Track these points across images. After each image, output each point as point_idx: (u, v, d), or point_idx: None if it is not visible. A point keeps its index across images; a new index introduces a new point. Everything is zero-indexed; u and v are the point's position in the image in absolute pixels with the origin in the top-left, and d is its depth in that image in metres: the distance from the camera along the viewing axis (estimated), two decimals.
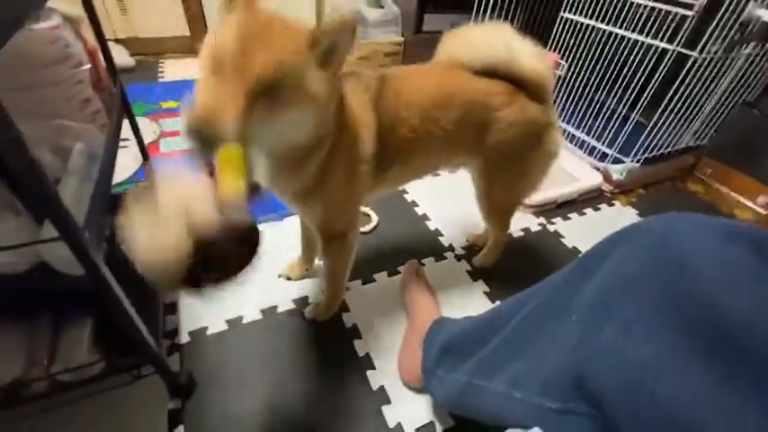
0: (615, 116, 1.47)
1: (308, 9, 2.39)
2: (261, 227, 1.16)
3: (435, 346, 0.69)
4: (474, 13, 1.93)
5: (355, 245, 0.82)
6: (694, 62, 1.24)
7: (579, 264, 0.43)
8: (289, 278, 1.03)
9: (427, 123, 0.73)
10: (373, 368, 0.85)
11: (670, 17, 1.25)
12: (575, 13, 1.52)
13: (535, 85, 0.78)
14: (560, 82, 1.69)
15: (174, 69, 2.10)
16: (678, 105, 1.37)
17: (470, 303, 1.02)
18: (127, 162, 1.29)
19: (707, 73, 1.33)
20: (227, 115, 0.41)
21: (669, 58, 1.27)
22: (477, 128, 0.78)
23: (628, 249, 0.36)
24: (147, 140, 1.46)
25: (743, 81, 1.49)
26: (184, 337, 0.86)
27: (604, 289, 0.36)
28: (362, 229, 1.19)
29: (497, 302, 1.02)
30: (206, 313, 0.91)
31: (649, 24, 1.32)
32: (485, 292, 1.06)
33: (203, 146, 0.42)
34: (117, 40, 2.11)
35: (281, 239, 1.12)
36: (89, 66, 0.67)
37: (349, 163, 0.67)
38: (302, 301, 0.97)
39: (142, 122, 1.58)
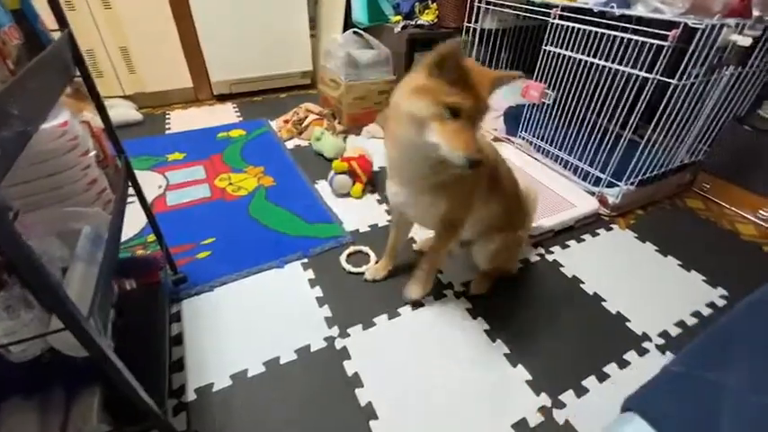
0: (608, 136, 1.50)
1: (303, 52, 2.52)
2: (260, 276, 1.21)
3: None
4: (461, 48, 2.01)
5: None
6: (676, 87, 1.27)
7: None
8: (375, 280, 1.18)
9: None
10: (376, 418, 0.86)
11: (647, 46, 1.29)
12: (556, 46, 1.57)
13: None
14: (549, 110, 1.73)
15: (179, 120, 2.20)
16: (668, 125, 1.39)
17: (471, 342, 1.03)
18: (135, 218, 1.35)
19: (691, 94, 1.36)
20: (478, 147, 0.69)
21: (651, 85, 1.30)
22: None
23: None
24: (154, 194, 1.54)
25: (729, 99, 1.51)
26: (191, 395, 0.89)
27: None
28: (359, 269, 1.22)
29: (498, 341, 1.03)
30: (212, 369, 0.94)
31: (629, 53, 1.36)
32: (485, 330, 1.06)
33: (475, 167, 0.69)
34: (125, 96, 2.24)
35: (282, 287, 1.16)
36: (95, 152, 0.73)
37: (473, 183, 0.91)
38: (305, 351, 0.99)
39: (149, 176, 1.66)
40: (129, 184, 0.92)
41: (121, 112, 2.12)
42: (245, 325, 1.05)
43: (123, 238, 1.28)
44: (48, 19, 0.72)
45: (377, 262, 1.24)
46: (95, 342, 0.51)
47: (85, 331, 0.49)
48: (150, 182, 1.61)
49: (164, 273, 1.02)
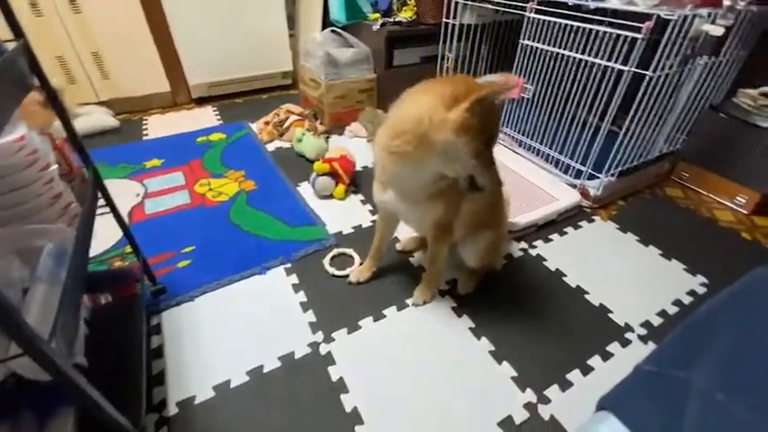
0: (587, 128, 1.50)
1: (282, 52, 2.49)
2: (242, 283, 1.19)
3: None
4: (441, 44, 2.01)
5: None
6: (651, 78, 1.28)
7: None
8: (359, 282, 1.17)
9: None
10: (361, 423, 0.85)
11: (622, 39, 1.29)
12: (533, 40, 1.57)
13: None
14: (529, 104, 1.74)
15: (157, 126, 2.16)
16: (645, 115, 1.40)
17: (456, 341, 1.03)
18: (111, 229, 1.31)
19: (666, 85, 1.37)
20: None
21: (627, 77, 1.31)
22: None
23: None
24: (131, 203, 1.51)
25: (704, 87, 1.53)
26: (172, 409, 0.87)
27: None
28: (343, 272, 1.21)
29: (483, 339, 1.03)
30: (194, 381, 0.92)
31: (604, 46, 1.37)
32: (470, 328, 1.06)
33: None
34: (100, 103, 2.18)
35: (265, 293, 1.14)
36: (56, 166, 0.70)
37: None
38: (288, 358, 0.98)
39: (126, 184, 1.62)
40: (100, 195, 0.89)
41: (97, 118, 2.06)
42: (228, 334, 1.03)
43: (100, 250, 1.26)
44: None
45: (361, 264, 1.23)
46: (57, 365, 0.49)
47: (46, 355, 0.47)
48: (128, 190, 1.58)
49: (141, 285, 1.00)
